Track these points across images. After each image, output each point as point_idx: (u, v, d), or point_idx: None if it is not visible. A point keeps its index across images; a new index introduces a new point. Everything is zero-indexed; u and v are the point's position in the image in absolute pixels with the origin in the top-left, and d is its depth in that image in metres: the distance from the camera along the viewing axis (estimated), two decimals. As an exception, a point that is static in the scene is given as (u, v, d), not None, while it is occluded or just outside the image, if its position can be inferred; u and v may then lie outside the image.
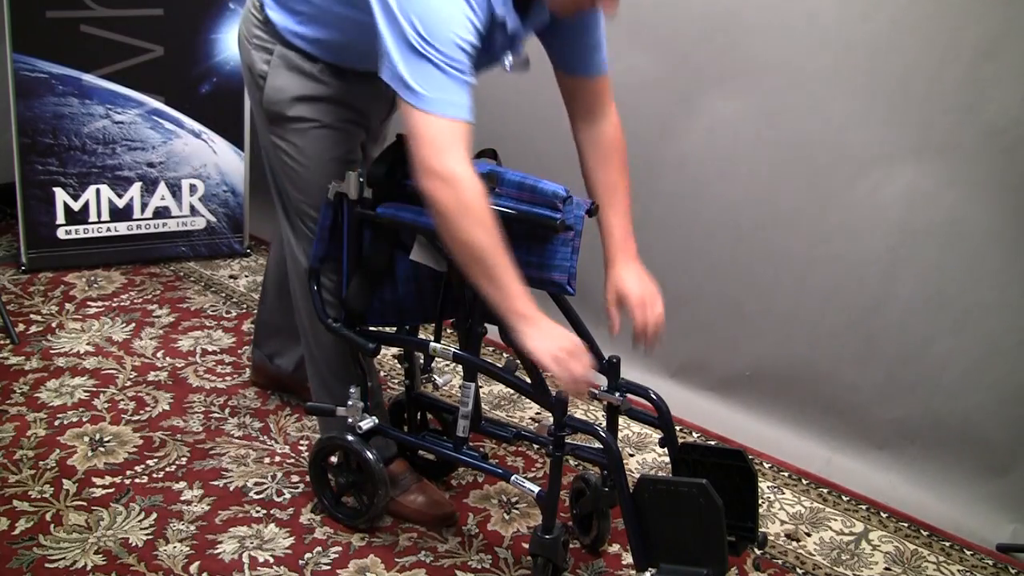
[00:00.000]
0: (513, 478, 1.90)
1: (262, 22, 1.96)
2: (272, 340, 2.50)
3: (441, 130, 1.63)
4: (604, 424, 2.07)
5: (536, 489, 1.86)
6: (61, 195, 3.15)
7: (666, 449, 1.94)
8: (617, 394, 1.98)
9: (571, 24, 1.86)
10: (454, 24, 1.61)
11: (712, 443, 2.47)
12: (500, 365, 1.97)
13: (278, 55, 1.94)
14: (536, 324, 1.67)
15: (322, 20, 1.87)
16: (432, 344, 1.95)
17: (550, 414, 1.81)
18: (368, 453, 2.02)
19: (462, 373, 2.01)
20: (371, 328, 2.03)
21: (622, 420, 2.10)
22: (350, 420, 2.05)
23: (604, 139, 1.97)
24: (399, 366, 2.77)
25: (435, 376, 2.15)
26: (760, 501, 2.09)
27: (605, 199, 1.95)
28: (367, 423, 2.05)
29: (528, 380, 1.85)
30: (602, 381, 1.98)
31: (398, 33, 1.61)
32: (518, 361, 1.87)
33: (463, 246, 1.66)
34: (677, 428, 2.58)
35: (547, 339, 1.66)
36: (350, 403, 2.05)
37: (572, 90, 1.96)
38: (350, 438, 2.04)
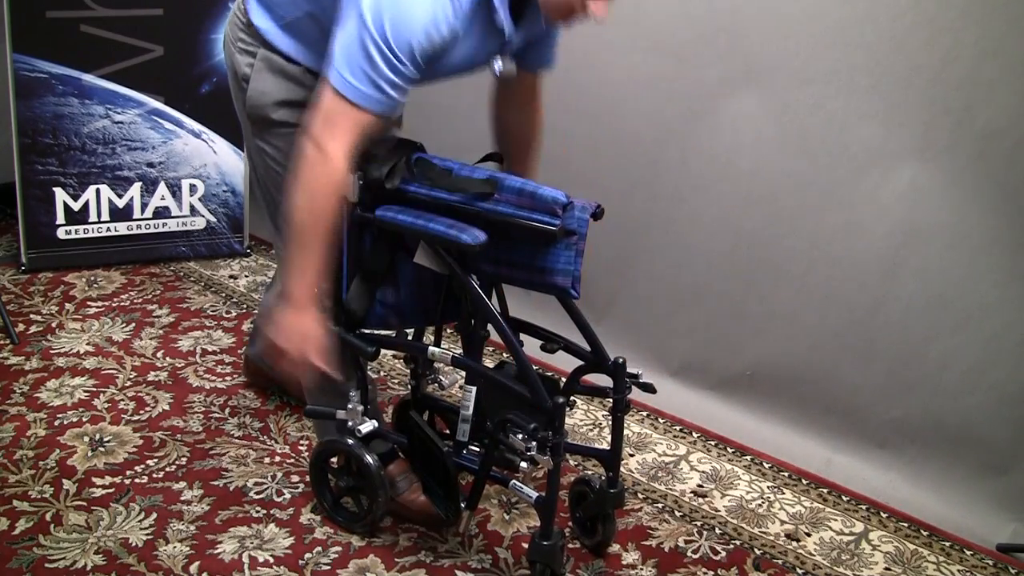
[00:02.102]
0: (512, 483, 1.90)
1: (245, 25, 1.97)
2: None
3: (343, 111, 1.69)
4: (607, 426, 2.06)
5: (535, 495, 1.85)
6: (61, 195, 3.15)
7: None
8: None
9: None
10: (422, 30, 1.65)
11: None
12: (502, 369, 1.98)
13: (261, 58, 1.95)
14: (303, 317, 1.79)
15: (299, 28, 1.89)
16: (431, 349, 1.95)
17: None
18: (368, 457, 2.02)
19: (464, 375, 2.00)
20: (369, 331, 2.03)
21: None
22: (350, 424, 2.05)
23: (531, 127, 2.11)
24: (399, 366, 2.78)
25: (441, 377, 2.15)
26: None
27: (527, 149, 2.12)
28: (367, 427, 2.04)
29: (526, 387, 1.84)
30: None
31: (361, 22, 1.65)
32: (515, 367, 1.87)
33: (291, 211, 1.77)
34: (676, 428, 2.60)
35: (290, 335, 1.80)
36: (350, 406, 2.05)
37: (515, 82, 2.02)
38: (350, 442, 2.04)
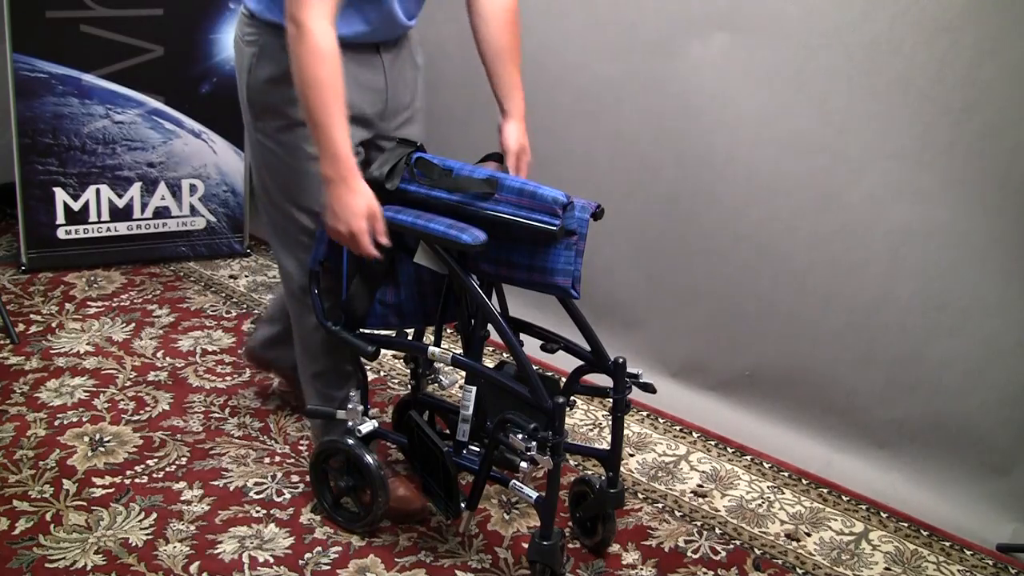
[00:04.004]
0: (512, 483, 1.90)
1: (248, 17, 1.98)
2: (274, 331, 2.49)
3: None
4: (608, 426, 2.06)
5: (535, 495, 1.85)
6: (61, 195, 3.15)
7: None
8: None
9: None
10: None
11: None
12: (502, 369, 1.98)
13: (262, 44, 1.95)
14: (338, 193, 1.80)
15: None
16: (431, 348, 1.95)
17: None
18: (368, 457, 2.02)
19: (464, 375, 2.00)
20: (369, 331, 2.03)
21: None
22: (350, 424, 2.05)
23: (504, 7, 2.04)
24: (399, 366, 2.79)
25: (441, 377, 2.15)
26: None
27: (503, 56, 2.05)
28: (367, 427, 2.04)
29: (527, 387, 1.84)
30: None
31: None
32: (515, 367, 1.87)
33: (298, 92, 1.78)
34: (676, 428, 2.60)
35: (339, 213, 1.81)
36: (350, 406, 2.05)
37: None
38: (350, 442, 2.04)
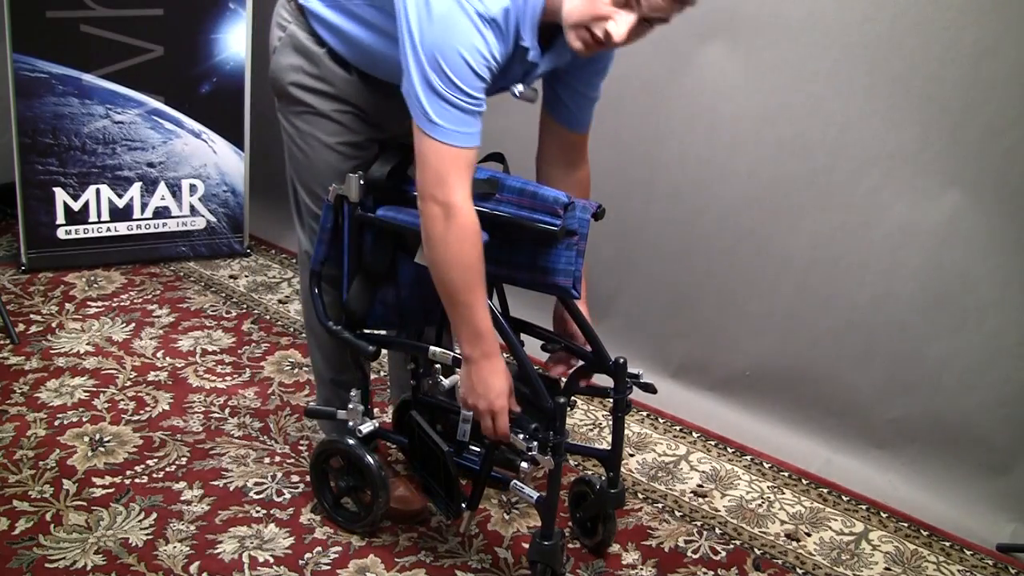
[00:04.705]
0: (512, 483, 1.90)
1: (289, 1, 1.97)
2: None
3: (448, 158, 1.67)
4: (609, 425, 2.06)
5: (536, 495, 1.85)
6: (61, 195, 3.15)
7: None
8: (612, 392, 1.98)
9: (579, 74, 1.88)
10: (474, 60, 1.62)
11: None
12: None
13: (289, 33, 1.94)
14: (480, 372, 1.77)
15: (349, 12, 1.86)
16: (432, 348, 1.95)
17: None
18: (368, 458, 2.02)
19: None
20: (370, 331, 2.02)
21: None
22: (351, 424, 2.05)
23: (576, 185, 2.00)
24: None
25: (440, 377, 2.14)
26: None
27: None
28: (368, 427, 2.04)
29: (526, 387, 1.84)
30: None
31: (419, 63, 1.63)
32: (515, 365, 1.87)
33: (440, 272, 1.73)
34: (676, 428, 2.60)
35: (482, 391, 1.77)
36: (351, 406, 2.04)
37: (555, 137, 1.98)
38: (351, 442, 2.04)
